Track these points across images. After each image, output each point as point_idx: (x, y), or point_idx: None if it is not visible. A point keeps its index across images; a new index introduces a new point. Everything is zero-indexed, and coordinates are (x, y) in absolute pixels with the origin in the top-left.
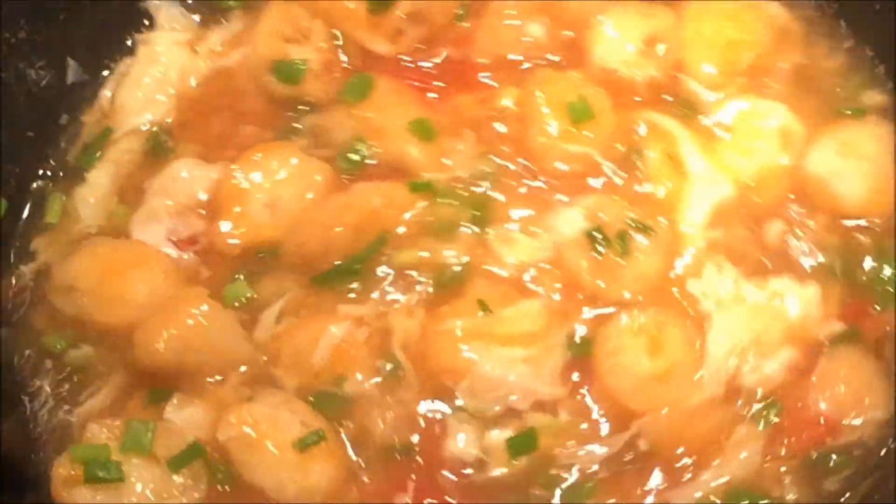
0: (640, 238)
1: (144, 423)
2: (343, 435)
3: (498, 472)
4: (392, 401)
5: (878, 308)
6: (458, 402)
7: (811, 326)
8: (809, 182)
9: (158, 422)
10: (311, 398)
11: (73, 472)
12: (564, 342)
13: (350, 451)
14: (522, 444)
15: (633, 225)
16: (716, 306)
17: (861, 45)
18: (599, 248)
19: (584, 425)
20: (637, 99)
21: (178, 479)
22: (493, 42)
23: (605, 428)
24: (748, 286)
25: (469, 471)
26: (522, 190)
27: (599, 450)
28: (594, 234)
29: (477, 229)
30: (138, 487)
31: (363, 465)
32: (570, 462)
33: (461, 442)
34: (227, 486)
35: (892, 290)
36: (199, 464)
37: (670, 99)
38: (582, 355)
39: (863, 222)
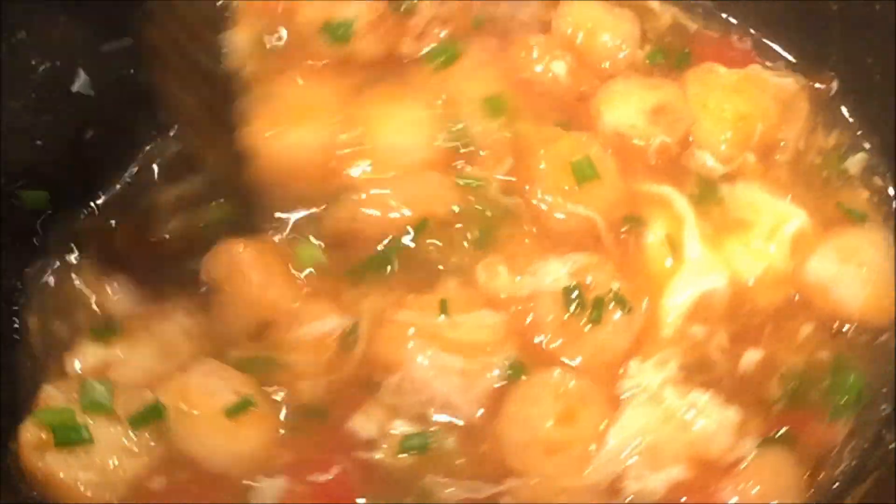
0: (616, 312)
1: (102, 383)
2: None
3: (381, 457)
4: (328, 371)
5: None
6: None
7: (713, 450)
8: (809, 288)
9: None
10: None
11: (42, 437)
12: (505, 366)
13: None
14: (414, 446)
15: (614, 296)
16: (635, 398)
17: (861, 129)
18: (572, 309)
19: (461, 460)
20: (646, 166)
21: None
22: None
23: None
24: (670, 389)
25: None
26: (526, 229)
27: (464, 492)
28: (572, 293)
29: (472, 249)
30: (104, 446)
31: (291, 430)
32: (439, 486)
33: (367, 420)
34: None
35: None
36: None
37: (680, 170)
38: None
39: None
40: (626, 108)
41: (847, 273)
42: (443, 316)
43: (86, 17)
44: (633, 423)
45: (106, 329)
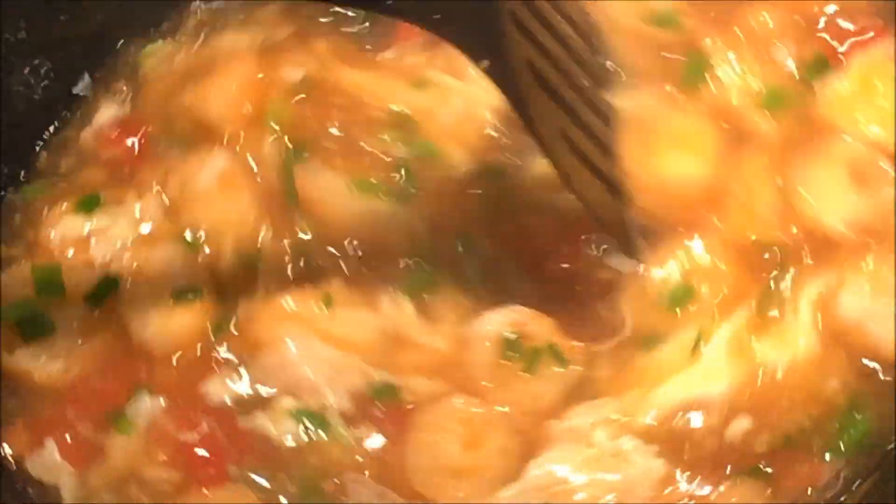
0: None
1: (51, 265)
2: None
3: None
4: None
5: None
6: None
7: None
8: (841, 333)
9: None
10: None
11: (7, 336)
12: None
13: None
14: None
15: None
16: (566, 434)
17: None
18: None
19: (360, 458)
20: None
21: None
22: None
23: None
24: (601, 431)
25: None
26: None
27: (369, 491)
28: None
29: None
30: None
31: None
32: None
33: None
34: None
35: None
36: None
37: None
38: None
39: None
40: None
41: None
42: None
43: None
44: (559, 460)
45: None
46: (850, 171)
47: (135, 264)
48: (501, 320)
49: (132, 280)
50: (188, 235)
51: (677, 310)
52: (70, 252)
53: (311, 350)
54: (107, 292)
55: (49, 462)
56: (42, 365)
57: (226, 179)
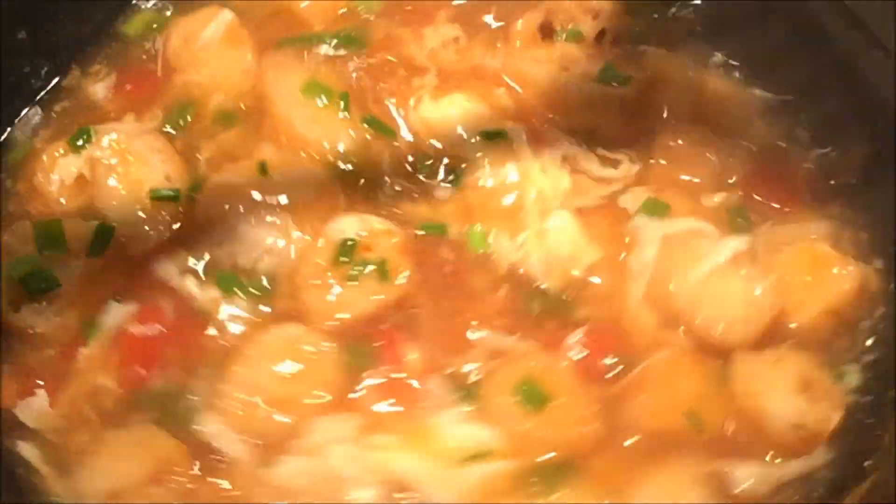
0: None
1: (52, 220)
2: None
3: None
4: None
5: None
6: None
7: None
8: None
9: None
10: None
11: (12, 293)
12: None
13: None
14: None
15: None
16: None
17: None
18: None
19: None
20: None
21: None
22: None
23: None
24: None
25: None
26: None
27: None
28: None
29: None
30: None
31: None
32: None
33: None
34: None
35: None
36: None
37: None
38: None
39: None
40: None
41: None
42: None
43: None
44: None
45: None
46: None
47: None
48: (354, 226)
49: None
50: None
51: None
52: (64, 199)
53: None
54: (106, 241)
55: (38, 409)
56: (46, 319)
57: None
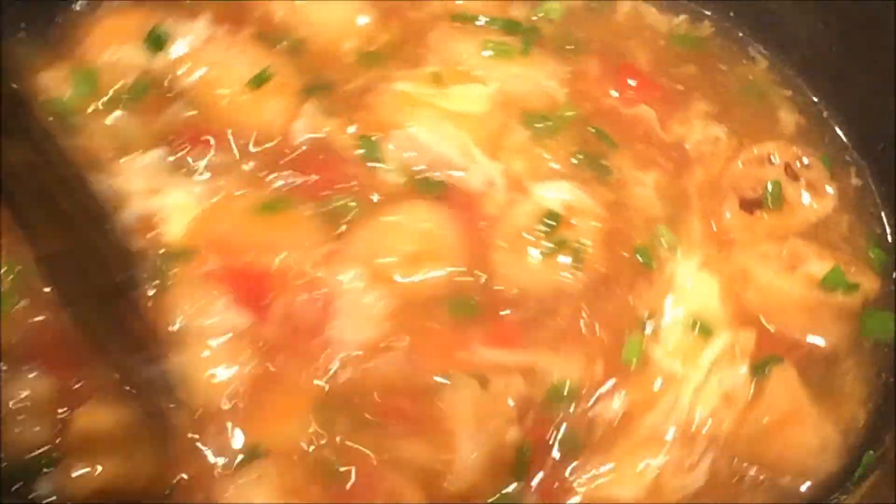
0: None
1: (90, 68)
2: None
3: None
4: None
5: None
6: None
7: None
8: None
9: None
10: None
11: None
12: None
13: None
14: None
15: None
16: None
17: None
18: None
19: None
20: None
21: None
22: None
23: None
24: None
25: None
26: None
27: None
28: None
29: None
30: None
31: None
32: None
33: None
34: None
35: None
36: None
37: None
38: None
39: None
40: None
41: None
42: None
43: None
44: None
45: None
46: None
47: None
48: (560, 196)
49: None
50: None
51: None
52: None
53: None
54: (143, 95)
55: None
56: None
57: None
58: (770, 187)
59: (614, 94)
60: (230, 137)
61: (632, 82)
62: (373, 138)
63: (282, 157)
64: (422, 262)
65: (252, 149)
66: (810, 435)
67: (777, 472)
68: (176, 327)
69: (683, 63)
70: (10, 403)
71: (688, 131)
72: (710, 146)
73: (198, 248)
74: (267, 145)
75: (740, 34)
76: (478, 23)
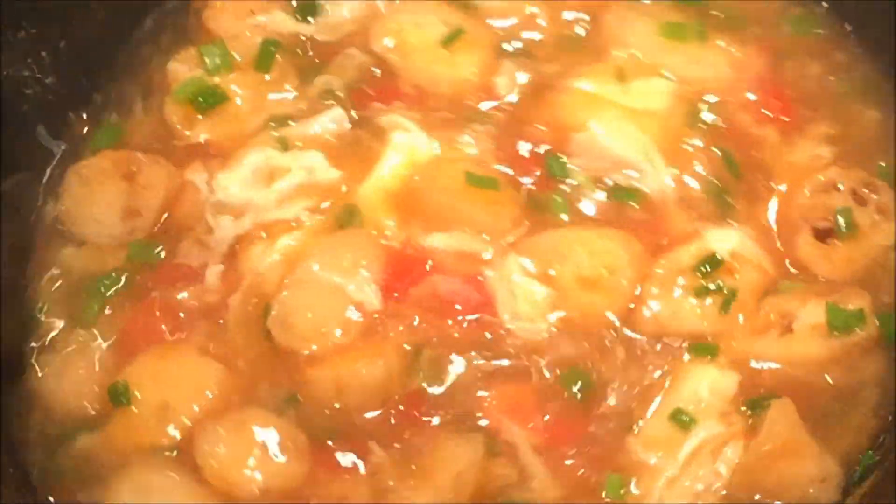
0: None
1: (216, 44)
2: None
3: None
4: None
5: None
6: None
7: None
8: None
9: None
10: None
11: (185, 111)
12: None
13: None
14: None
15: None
16: None
17: None
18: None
19: None
20: None
21: (268, 77)
22: None
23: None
24: None
25: None
26: None
27: None
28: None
29: None
30: (239, 101)
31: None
32: None
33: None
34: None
35: None
36: (287, 61)
37: None
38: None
39: None
40: None
41: None
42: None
43: None
44: None
45: None
46: None
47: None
48: (731, 242)
49: None
50: None
51: None
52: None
53: (614, 127)
54: (271, 56)
55: None
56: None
57: None
58: (841, 215)
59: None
60: (421, 93)
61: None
62: (561, 158)
63: (480, 117)
64: (594, 290)
65: (446, 105)
66: (810, 467)
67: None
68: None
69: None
70: None
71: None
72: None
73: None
74: (466, 103)
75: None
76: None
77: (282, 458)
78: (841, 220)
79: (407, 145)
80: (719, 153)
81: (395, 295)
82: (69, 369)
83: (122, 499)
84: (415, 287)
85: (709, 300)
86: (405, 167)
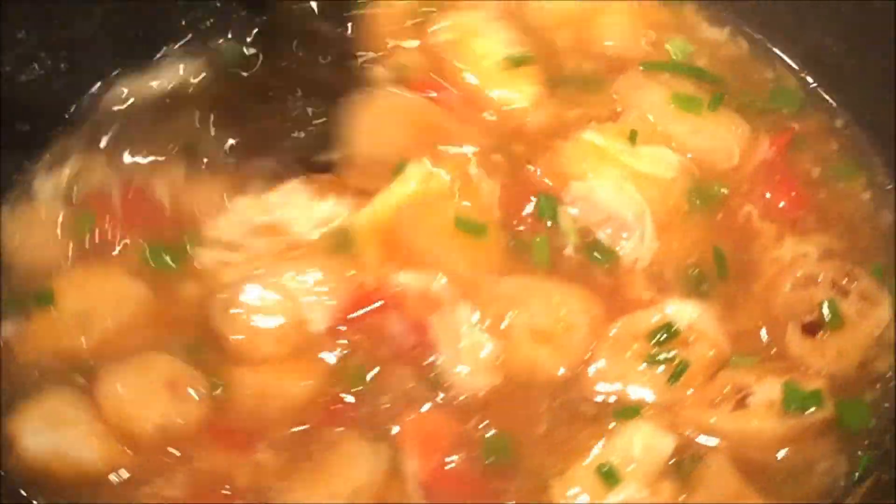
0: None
1: None
2: None
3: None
4: None
5: None
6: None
7: None
8: None
9: None
10: None
11: None
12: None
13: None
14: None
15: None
16: None
17: None
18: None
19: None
20: None
21: None
22: None
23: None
24: None
25: None
26: None
27: None
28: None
29: None
30: None
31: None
32: None
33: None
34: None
35: None
36: None
37: None
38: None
39: None
40: None
41: None
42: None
43: None
44: None
45: None
46: None
47: None
48: (691, 316)
49: None
50: None
51: None
52: None
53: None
54: None
55: None
56: None
57: None
58: (826, 307)
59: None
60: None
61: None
62: (552, 201)
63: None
64: (546, 344)
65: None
66: None
67: None
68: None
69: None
70: None
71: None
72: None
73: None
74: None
75: None
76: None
77: (181, 402)
78: (827, 312)
79: (418, 175)
80: (712, 247)
81: (343, 327)
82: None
83: (28, 424)
84: (364, 320)
85: (660, 368)
86: (406, 197)
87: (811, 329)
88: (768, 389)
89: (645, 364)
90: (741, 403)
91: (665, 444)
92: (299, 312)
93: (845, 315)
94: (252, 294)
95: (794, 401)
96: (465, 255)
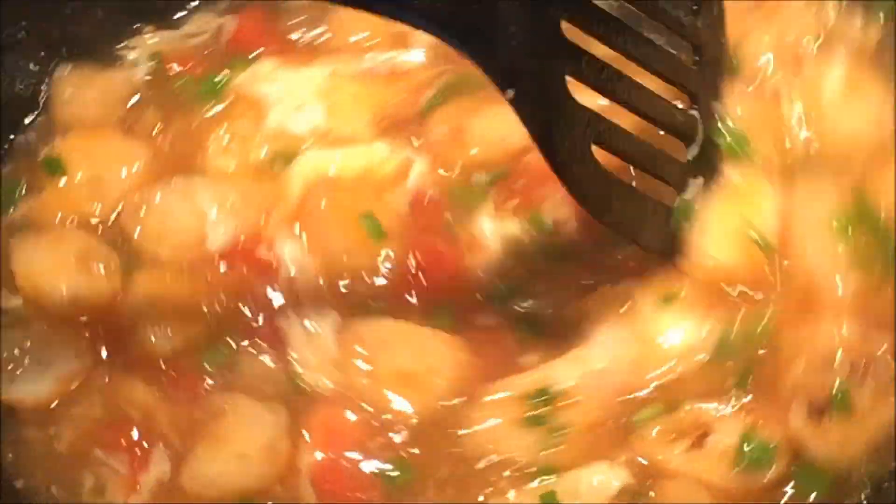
0: None
1: None
2: None
3: None
4: None
5: None
6: None
7: None
8: None
9: None
10: None
11: None
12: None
13: None
14: None
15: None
16: None
17: None
18: None
19: None
20: None
21: None
22: None
23: None
24: None
25: None
26: None
27: None
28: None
29: None
30: None
31: None
32: None
33: None
34: None
35: None
36: None
37: None
38: None
39: None
40: None
41: None
42: None
43: None
44: None
45: None
46: None
47: None
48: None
49: None
50: None
51: None
52: None
53: None
54: None
55: None
56: None
57: None
58: (837, 392)
59: None
60: None
61: None
62: None
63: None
64: (406, 387)
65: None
66: None
67: None
68: None
69: None
70: None
71: None
72: None
73: None
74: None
75: None
76: None
77: (93, 275)
78: (837, 397)
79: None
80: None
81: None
82: None
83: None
84: (245, 270)
85: (535, 430)
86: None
87: (818, 411)
88: (728, 431)
89: (518, 427)
90: (698, 444)
91: (617, 478)
92: (204, 223)
93: (856, 404)
94: (170, 202)
95: (750, 451)
96: (355, 254)
